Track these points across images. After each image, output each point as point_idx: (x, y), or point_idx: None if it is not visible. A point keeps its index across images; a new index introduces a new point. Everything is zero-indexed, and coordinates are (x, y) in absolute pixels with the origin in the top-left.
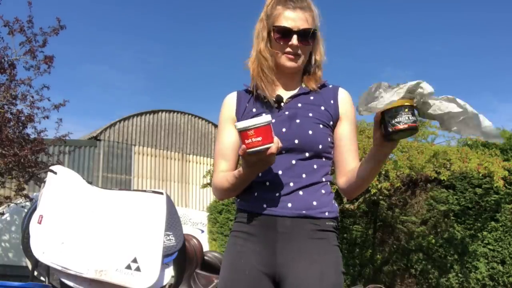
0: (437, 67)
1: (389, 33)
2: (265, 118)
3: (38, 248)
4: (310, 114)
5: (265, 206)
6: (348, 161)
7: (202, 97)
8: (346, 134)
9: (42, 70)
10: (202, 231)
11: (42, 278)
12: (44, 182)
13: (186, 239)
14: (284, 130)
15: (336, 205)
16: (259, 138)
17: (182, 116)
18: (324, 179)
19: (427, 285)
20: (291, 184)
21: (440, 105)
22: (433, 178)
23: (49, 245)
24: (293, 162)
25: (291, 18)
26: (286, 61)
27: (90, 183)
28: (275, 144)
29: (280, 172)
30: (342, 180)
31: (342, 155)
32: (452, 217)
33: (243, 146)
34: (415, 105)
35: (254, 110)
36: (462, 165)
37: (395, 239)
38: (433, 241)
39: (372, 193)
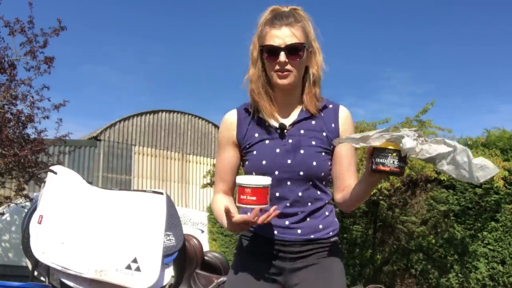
0: (437, 67)
1: (389, 33)
2: (265, 180)
3: (38, 248)
4: (313, 143)
5: (276, 232)
6: (346, 177)
7: (202, 97)
8: (345, 153)
9: (42, 70)
10: (202, 231)
11: (42, 278)
12: (44, 182)
13: (186, 239)
14: (289, 161)
15: (336, 219)
16: (254, 198)
17: (182, 116)
18: (326, 200)
19: (427, 285)
20: (299, 213)
21: (429, 149)
22: (433, 178)
23: (49, 245)
24: (300, 194)
25: (277, 36)
26: (277, 79)
27: (90, 183)
28: (264, 216)
29: (288, 204)
30: (339, 196)
31: (341, 172)
32: (452, 217)
33: (238, 202)
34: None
35: (256, 135)
36: None
37: (395, 239)
38: (433, 241)
39: (372, 193)
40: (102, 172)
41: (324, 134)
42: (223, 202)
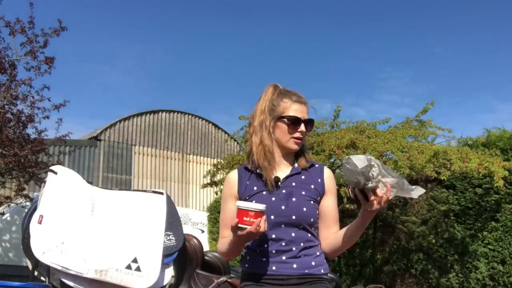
0: (437, 67)
1: (389, 33)
2: (262, 206)
3: (38, 248)
4: (303, 193)
5: (274, 268)
6: (330, 227)
7: (202, 97)
8: (329, 206)
9: (43, 70)
10: (203, 231)
11: (42, 278)
12: (44, 182)
13: (186, 239)
14: (283, 207)
15: (326, 261)
16: (258, 219)
17: (182, 116)
18: (316, 243)
19: (427, 285)
20: (294, 248)
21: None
22: (433, 178)
23: (49, 245)
24: (293, 234)
25: (299, 110)
26: (293, 145)
27: (91, 183)
28: (261, 227)
29: (283, 244)
30: (325, 243)
31: (326, 223)
32: (452, 217)
33: (237, 220)
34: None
35: (255, 188)
36: (462, 165)
37: (395, 239)
38: (433, 241)
39: None
40: (102, 172)
41: (312, 186)
42: (226, 239)
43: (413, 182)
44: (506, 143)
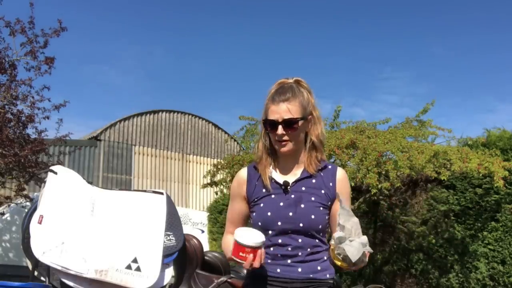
0: (437, 68)
1: (389, 33)
2: (260, 240)
3: (38, 248)
4: (313, 198)
5: (278, 270)
6: None
7: (202, 97)
8: None
9: (43, 70)
10: (203, 231)
11: (42, 278)
12: (45, 182)
13: (186, 239)
14: (291, 214)
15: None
16: (250, 256)
17: (182, 116)
18: (324, 247)
19: (427, 285)
20: (300, 253)
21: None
22: (433, 178)
23: (49, 245)
24: (300, 241)
25: (275, 111)
26: (278, 147)
27: (91, 183)
28: (255, 263)
29: (289, 249)
30: None
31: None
32: (452, 217)
33: (230, 254)
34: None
35: (264, 190)
36: (462, 165)
37: (395, 239)
38: (433, 241)
39: (372, 193)
40: (102, 172)
41: (323, 191)
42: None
43: (413, 182)
44: (506, 143)
